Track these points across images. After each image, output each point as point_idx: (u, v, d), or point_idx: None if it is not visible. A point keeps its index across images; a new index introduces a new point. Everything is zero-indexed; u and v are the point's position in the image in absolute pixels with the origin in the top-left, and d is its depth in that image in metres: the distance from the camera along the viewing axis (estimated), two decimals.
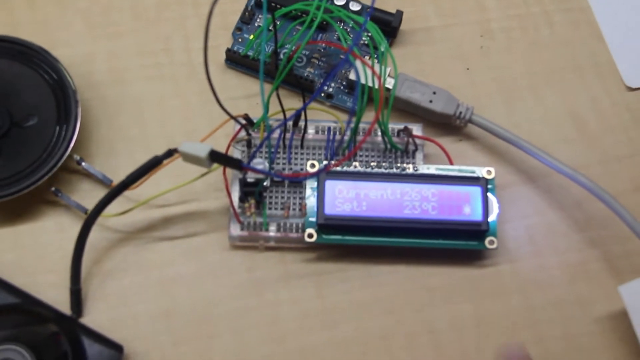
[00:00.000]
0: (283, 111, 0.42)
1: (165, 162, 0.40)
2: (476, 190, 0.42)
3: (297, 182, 0.43)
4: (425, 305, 0.43)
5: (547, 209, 0.45)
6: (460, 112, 0.45)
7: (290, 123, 0.44)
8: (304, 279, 0.43)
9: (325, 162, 0.43)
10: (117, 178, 0.44)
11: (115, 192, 0.40)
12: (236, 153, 0.44)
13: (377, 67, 0.44)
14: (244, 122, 0.43)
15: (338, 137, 0.44)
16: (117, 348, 0.40)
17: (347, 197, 0.42)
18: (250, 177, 0.41)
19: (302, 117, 0.43)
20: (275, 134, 0.44)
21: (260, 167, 0.43)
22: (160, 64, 0.48)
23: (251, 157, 0.42)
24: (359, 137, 0.44)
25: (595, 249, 0.44)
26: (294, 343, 0.42)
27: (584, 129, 0.47)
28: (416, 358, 0.42)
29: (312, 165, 0.43)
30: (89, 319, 0.41)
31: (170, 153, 0.39)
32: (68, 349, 0.38)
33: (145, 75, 0.48)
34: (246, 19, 0.49)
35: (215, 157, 0.38)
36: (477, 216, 0.42)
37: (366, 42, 0.48)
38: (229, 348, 0.41)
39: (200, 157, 0.38)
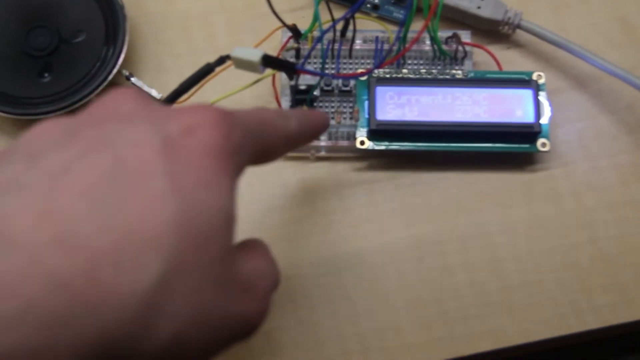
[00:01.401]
0: (332, 17, 0.42)
1: (217, 69, 0.40)
2: (528, 93, 0.42)
3: (347, 91, 0.43)
4: (478, 210, 0.43)
5: (597, 113, 0.45)
6: (509, 18, 0.44)
7: (338, 34, 0.44)
8: (356, 188, 0.43)
9: (375, 71, 0.42)
10: (166, 93, 0.44)
11: (168, 100, 0.40)
12: None
13: None
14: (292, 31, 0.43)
15: (386, 46, 0.44)
16: None
17: (398, 103, 0.42)
18: (302, 84, 0.41)
19: (351, 27, 0.43)
20: (324, 45, 0.44)
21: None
22: None
23: (302, 63, 0.42)
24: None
25: None
26: (348, 249, 0.42)
27: (632, 32, 0.46)
28: (470, 261, 0.42)
29: (362, 74, 0.42)
30: None
31: (222, 60, 0.39)
32: None
33: None
34: None
35: (268, 61, 0.38)
36: (529, 118, 0.42)
37: None
38: (283, 257, 0.42)
39: (253, 62, 0.37)
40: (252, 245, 0.29)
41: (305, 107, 0.42)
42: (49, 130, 0.24)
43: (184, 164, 0.23)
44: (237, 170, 0.26)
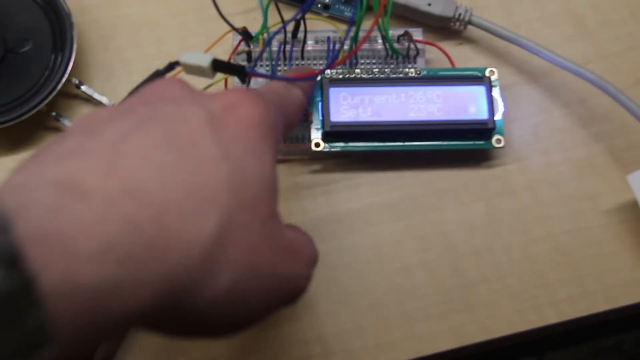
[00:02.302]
0: (282, 18, 0.41)
1: (168, 75, 0.39)
2: (480, 90, 0.42)
3: None
4: (436, 208, 0.43)
5: (550, 107, 0.45)
6: (460, 14, 0.44)
7: (289, 35, 0.44)
8: (313, 189, 0.43)
9: (327, 71, 0.42)
10: (117, 100, 0.43)
11: None
12: None
13: None
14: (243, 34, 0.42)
15: (338, 46, 0.44)
16: None
17: (351, 104, 0.41)
18: (255, 87, 0.41)
19: (302, 28, 0.43)
20: (275, 47, 0.44)
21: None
22: None
23: (253, 66, 0.41)
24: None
25: (600, 143, 0.44)
26: None
27: (583, 25, 0.47)
28: (429, 260, 0.42)
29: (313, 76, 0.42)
30: None
31: (171, 66, 0.38)
32: None
33: None
34: None
35: (218, 65, 0.37)
36: (483, 115, 0.42)
37: None
38: None
39: (202, 67, 0.37)
40: (292, 225, 0.31)
41: None
42: (103, 111, 0.26)
43: (231, 134, 0.26)
44: (275, 145, 0.28)
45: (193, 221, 0.23)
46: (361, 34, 0.43)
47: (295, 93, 0.34)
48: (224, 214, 0.24)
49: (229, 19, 0.43)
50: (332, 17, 0.46)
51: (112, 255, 0.21)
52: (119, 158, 0.23)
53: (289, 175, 0.43)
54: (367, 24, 0.44)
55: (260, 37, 0.43)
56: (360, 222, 0.43)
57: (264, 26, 0.42)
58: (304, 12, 0.40)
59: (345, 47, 0.43)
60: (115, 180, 0.22)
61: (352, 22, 0.40)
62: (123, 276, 0.21)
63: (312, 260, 0.30)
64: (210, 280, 0.24)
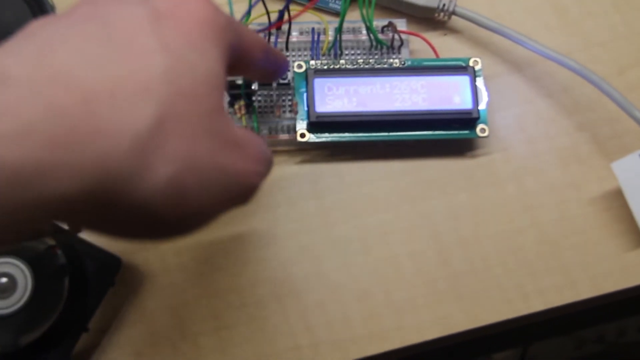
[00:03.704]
0: (267, 11, 0.41)
1: None
2: (465, 80, 0.42)
3: (285, 84, 0.43)
4: (422, 198, 0.43)
5: (535, 97, 0.45)
6: (444, 4, 0.44)
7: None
8: (300, 180, 0.43)
9: (312, 62, 0.42)
10: None
11: None
12: None
13: None
14: None
15: (323, 37, 0.44)
16: (115, 260, 0.39)
17: (337, 94, 0.41)
18: (238, 78, 0.41)
19: (286, 19, 0.43)
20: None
21: None
22: None
23: None
24: (344, 36, 0.44)
25: (585, 132, 0.44)
26: (294, 243, 0.42)
27: (565, 16, 0.47)
28: (416, 250, 0.42)
29: (299, 66, 0.42)
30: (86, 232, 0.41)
31: None
32: (65, 262, 0.38)
33: None
34: None
35: None
36: (467, 104, 0.42)
37: None
38: (230, 254, 0.41)
39: None
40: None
41: (242, 102, 0.41)
42: (46, 17, 0.26)
43: (173, 28, 0.25)
44: (223, 46, 0.27)
45: (124, 110, 0.23)
46: (348, 25, 0.44)
47: (257, 35, 0.33)
48: (160, 105, 0.23)
49: None
50: (317, 9, 0.46)
51: (34, 137, 0.21)
52: (50, 50, 0.23)
53: (275, 166, 0.43)
54: (352, 15, 0.45)
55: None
56: (346, 212, 0.43)
57: (248, 18, 0.42)
58: (287, 4, 0.40)
59: (330, 38, 0.43)
60: (44, 69, 0.22)
61: (337, 14, 0.40)
62: (46, 158, 0.21)
63: (263, 157, 0.29)
64: (145, 171, 0.23)
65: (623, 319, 0.66)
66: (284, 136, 0.42)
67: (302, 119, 0.41)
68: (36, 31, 0.24)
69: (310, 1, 0.44)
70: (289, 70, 0.42)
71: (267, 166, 0.30)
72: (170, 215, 0.25)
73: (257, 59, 0.32)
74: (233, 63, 0.29)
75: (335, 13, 0.46)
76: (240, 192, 0.28)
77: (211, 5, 0.27)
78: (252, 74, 0.37)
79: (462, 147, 0.44)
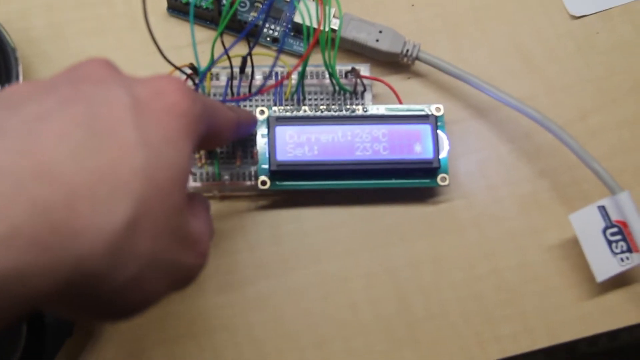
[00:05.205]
0: (228, 56, 0.41)
1: None
2: (426, 128, 0.42)
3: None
4: (382, 245, 0.43)
5: (497, 142, 0.45)
6: (407, 50, 0.44)
7: (237, 70, 0.44)
8: (260, 226, 0.43)
9: (275, 108, 0.42)
10: None
11: None
12: None
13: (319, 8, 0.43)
14: (189, 71, 0.42)
15: (286, 82, 0.44)
16: None
17: (298, 142, 0.41)
18: None
19: (249, 63, 0.43)
20: (223, 82, 0.44)
21: None
22: (100, 16, 0.47)
23: None
24: (307, 81, 0.44)
25: (545, 179, 0.45)
26: (253, 289, 0.42)
27: (530, 60, 0.47)
28: (376, 297, 0.42)
29: (262, 112, 0.42)
30: None
31: None
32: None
33: (86, 28, 0.46)
34: None
35: None
36: (428, 154, 0.42)
37: None
38: (187, 298, 0.42)
39: None
40: (197, 200, 0.32)
41: (204, 151, 0.41)
42: (25, 86, 0.26)
43: (152, 120, 0.26)
44: (196, 138, 0.28)
45: (105, 207, 0.23)
46: (311, 69, 0.44)
47: (232, 112, 0.35)
48: (137, 202, 0.24)
49: (178, 51, 0.43)
50: (282, 51, 0.46)
51: (19, 242, 0.21)
52: (35, 138, 0.23)
53: (236, 212, 0.43)
54: (316, 58, 0.45)
55: (208, 73, 0.43)
56: (306, 259, 0.43)
57: (210, 63, 0.42)
58: (251, 49, 0.40)
59: (293, 82, 0.43)
60: (28, 162, 0.22)
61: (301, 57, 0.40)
62: (28, 262, 0.21)
63: (207, 252, 0.30)
64: (117, 269, 0.24)
65: None
66: (246, 183, 0.42)
67: (263, 167, 0.42)
68: (18, 104, 0.24)
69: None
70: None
71: (207, 259, 0.31)
72: (124, 305, 0.26)
73: (227, 137, 0.34)
74: (202, 145, 0.31)
75: (299, 56, 0.46)
76: (185, 282, 0.29)
77: (189, 96, 0.27)
78: (221, 146, 0.38)
79: (423, 194, 0.44)
